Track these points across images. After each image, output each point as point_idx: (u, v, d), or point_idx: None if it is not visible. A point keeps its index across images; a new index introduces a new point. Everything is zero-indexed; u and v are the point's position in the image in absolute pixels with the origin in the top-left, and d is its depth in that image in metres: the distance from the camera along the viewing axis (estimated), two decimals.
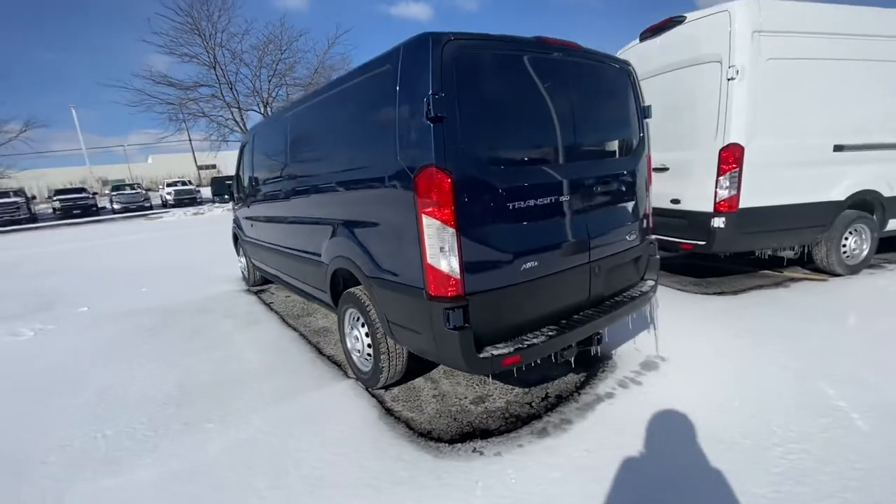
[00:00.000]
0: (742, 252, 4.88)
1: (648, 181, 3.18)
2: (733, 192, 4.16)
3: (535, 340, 2.38)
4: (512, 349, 2.29)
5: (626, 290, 3.06)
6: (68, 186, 27.60)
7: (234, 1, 21.10)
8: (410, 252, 2.27)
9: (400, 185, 2.28)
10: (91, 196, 25.17)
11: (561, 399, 2.82)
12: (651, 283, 3.21)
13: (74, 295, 6.41)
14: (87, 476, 2.39)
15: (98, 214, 23.92)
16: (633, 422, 2.51)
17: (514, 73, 2.38)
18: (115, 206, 24.21)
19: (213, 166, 25.71)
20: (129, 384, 3.42)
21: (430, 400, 2.91)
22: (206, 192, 26.85)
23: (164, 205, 25.62)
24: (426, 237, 2.15)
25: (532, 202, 2.36)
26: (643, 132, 3.11)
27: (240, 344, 4.13)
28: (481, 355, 2.22)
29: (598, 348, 2.92)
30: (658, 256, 3.29)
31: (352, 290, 3.02)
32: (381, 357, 2.82)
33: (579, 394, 2.86)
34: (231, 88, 22.22)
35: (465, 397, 2.92)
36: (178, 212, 20.61)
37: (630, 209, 3.00)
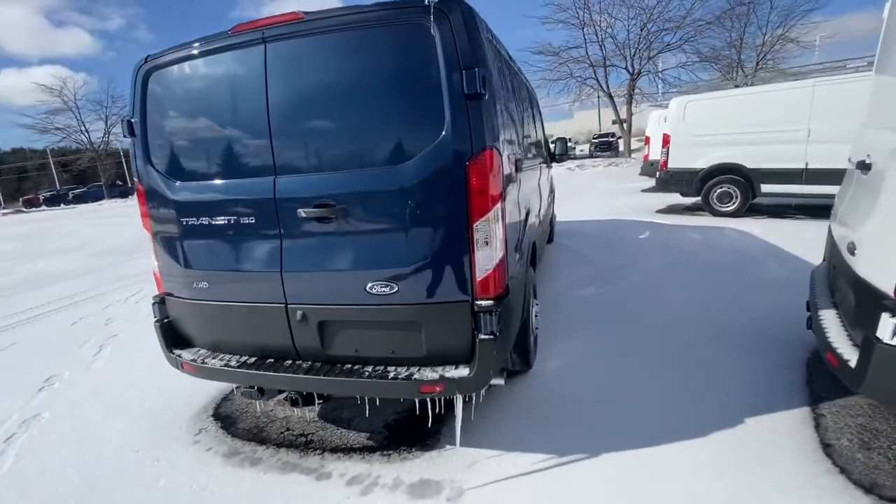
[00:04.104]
0: None
1: (472, 201, 1.82)
2: None
3: (214, 363, 2.30)
4: (192, 359, 2.36)
5: (389, 362, 2.03)
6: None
7: None
8: None
9: None
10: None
11: (306, 446, 2.47)
12: (461, 374, 1.92)
13: None
14: None
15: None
16: None
17: (209, 77, 2.16)
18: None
19: (623, 121, 26.78)
20: None
21: None
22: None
23: (591, 155, 29.49)
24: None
25: (205, 220, 2.20)
26: (450, 122, 1.77)
27: None
28: (174, 352, 2.45)
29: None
30: (487, 337, 1.86)
31: None
32: None
33: (315, 454, 2.38)
34: (601, 46, 24.03)
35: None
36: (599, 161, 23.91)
37: (385, 246, 1.92)
